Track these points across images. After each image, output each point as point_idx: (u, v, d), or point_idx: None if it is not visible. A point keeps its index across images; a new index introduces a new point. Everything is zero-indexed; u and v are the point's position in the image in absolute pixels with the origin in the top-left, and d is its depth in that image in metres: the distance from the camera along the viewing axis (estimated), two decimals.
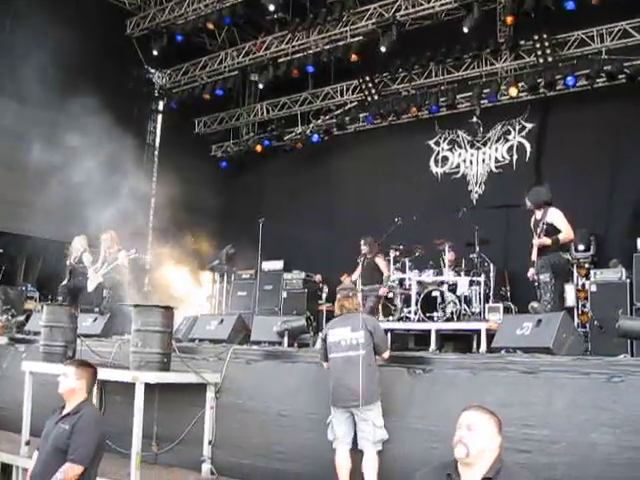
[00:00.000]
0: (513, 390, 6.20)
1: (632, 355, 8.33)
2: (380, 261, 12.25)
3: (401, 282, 12.02)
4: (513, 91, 14.44)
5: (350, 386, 6.45)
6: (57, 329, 8.46)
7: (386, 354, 6.98)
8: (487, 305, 11.12)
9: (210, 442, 7.82)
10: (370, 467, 6.44)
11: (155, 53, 17.41)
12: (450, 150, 16.03)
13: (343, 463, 6.55)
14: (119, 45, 16.75)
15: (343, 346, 6.66)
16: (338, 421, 6.62)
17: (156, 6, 17.63)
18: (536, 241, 8.60)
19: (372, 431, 6.46)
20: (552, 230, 8.52)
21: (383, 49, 14.70)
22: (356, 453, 6.60)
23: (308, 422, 7.27)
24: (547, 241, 8.47)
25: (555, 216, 8.58)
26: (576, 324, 10.34)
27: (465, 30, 13.66)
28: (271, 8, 14.96)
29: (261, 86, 17.76)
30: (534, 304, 8.31)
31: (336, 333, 6.78)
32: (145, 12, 17.78)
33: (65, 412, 5.27)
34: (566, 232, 8.53)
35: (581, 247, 12.33)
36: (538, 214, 8.77)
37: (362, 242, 12.45)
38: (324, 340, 6.90)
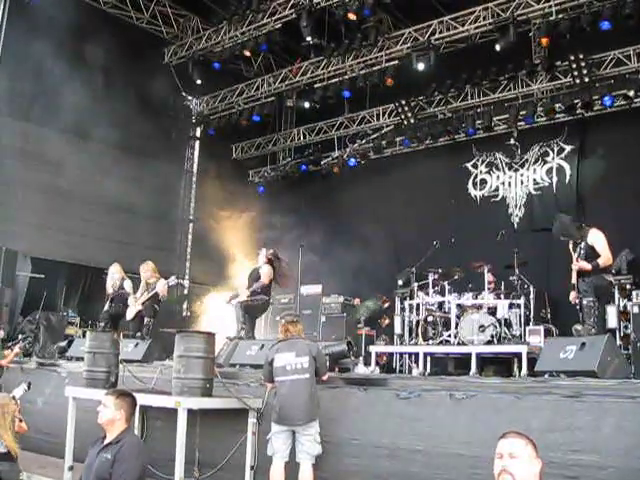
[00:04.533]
0: (558, 415, 6.10)
1: None
2: (262, 269, 11.20)
3: (440, 305, 11.96)
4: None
5: (295, 407, 6.98)
6: (100, 355, 8.50)
7: (325, 376, 7.51)
8: (527, 328, 11.03)
9: (252, 467, 7.79)
10: (307, 478, 6.92)
11: (198, 82, 17.69)
12: (488, 173, 16.00)
13: (278, 474, 7.00)
14: (157, 73, 16.98)
15: (289, 370, 7.12)
16: (278, 438, 7.06)
17: (193, 34, 17.92)
18: (575, 266, 8.53)
19: (312, 446, 6.96)
20: (592, 252, 8.44)
21: (419, 71, 14.82)
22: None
23: (351, 447, 7.23)
24: (587, 266, 8.38)
25: (596, 238, 8.50)
26: (618, 346, 10.20)
27: (497, 47, 13.71)
28: (308, 39, 15.10)
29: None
30: (577, 326, 8.23)
31: (282, 358, 7.19)
32: (182, 41, 18.10)
33: (107, 442, 5.30)
34: (605, 256, 8.44)
35: (623, 268, 12.17)
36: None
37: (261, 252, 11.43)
38: (270, 364, 7.27)
